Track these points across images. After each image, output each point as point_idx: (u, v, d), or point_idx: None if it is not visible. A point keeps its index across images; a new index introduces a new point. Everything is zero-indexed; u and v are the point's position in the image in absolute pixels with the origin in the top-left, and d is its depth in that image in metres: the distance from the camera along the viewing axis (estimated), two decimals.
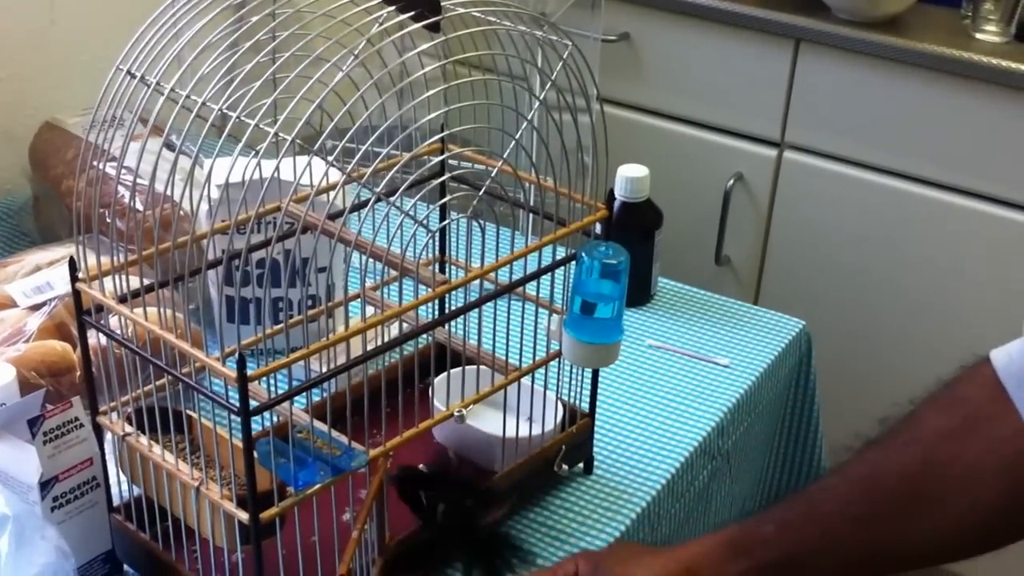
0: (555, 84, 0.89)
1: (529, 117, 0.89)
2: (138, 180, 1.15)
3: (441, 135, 0.96)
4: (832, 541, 0.93)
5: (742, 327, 1.46)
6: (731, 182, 2.04)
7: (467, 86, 0.91)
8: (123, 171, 1.23)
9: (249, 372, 0.82)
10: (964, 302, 1.92)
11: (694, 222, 2.09)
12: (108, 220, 1.23)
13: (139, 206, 1.21)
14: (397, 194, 0.85)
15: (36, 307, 1.18)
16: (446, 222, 1.00)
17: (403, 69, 0.89)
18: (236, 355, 0.81)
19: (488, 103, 0.89)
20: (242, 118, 0.79)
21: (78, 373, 1.13)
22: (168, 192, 0.90)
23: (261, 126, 0.78)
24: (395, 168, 0.88)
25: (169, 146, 0.90)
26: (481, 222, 0.97)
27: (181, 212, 1.11)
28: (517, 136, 0.88)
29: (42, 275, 1.22)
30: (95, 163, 0.91)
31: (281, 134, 0.77)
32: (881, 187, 1.94)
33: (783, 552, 0.94)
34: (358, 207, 1.02)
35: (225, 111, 0.80)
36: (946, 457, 0.89)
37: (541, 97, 0.89)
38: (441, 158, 1.01)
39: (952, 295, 1.93)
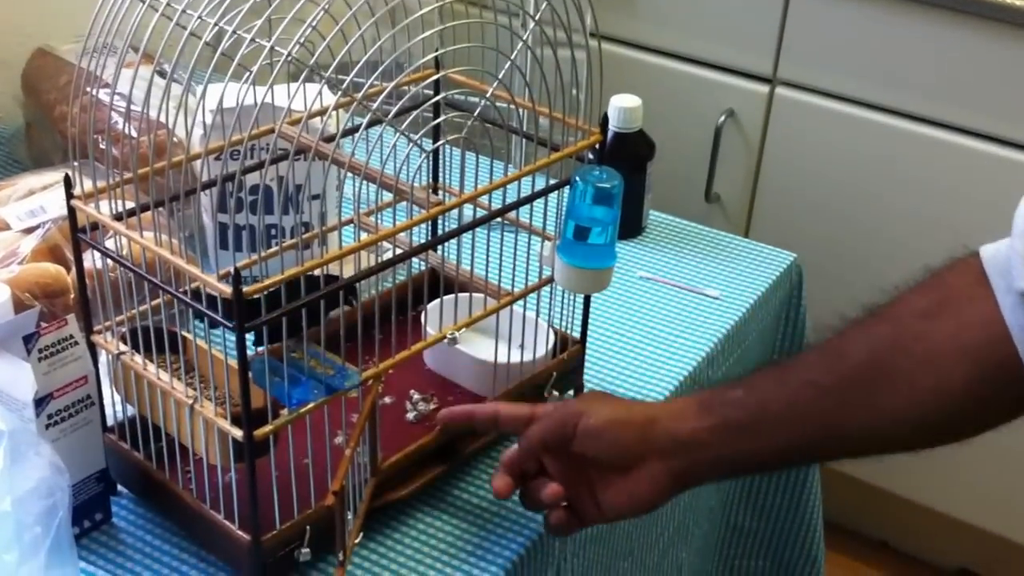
0: (550, 4, 0.89)
1: (524, 38, 0.89)
2: (132, 107, 1.15)
3: (435, 54, 0.95)
4: (794, 409, 0.92)
5: (733, 260, 1.46)
6: (722, 119, 2.04)
7: (462, 10, 0.91)
8: (116, 97, 1.23)
9: (244, 289, 0.82)
10: (956, 239, 1.92)
11: (684, 159, 2.09)
12: (102, 146, 1.23)
13: (133, 132, 1.21)
14: (392, 112, 0.85)
15: (29, 230, 1.18)
16: (440, 143, 1.00)
17: None
18: (231, 273, 0.82)
19: (483, 21, 0.89)
20: (239, 32, 0.79)
21: (72, 295, 1.13)
22: (161, 119, 0.90)
23: (258, 40, 0.78)
24: (388, 88, 0.88)
25: (161, 73, 0.90)
26: (475, 150, 0.97)
27: (175, 139, 1.11)
28: (512, 57, 0.88)
29: (35, 199, 1.22)
30: (88, 88, 0.91)
31: (277, 48, 0.77)
32: (874, 124, 1.93)
33: (746, 413, 0.94)
34: (352, 131, 1.02)
35: (222, 26, 0.79)
36: (916, 335, 0.89)
37: (537, 17, 0.89)
38: (435, 77, 1.01)
39: (945, 232, 1.93)
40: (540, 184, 1.04)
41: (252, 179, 1.17)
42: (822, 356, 0.94)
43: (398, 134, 0.87)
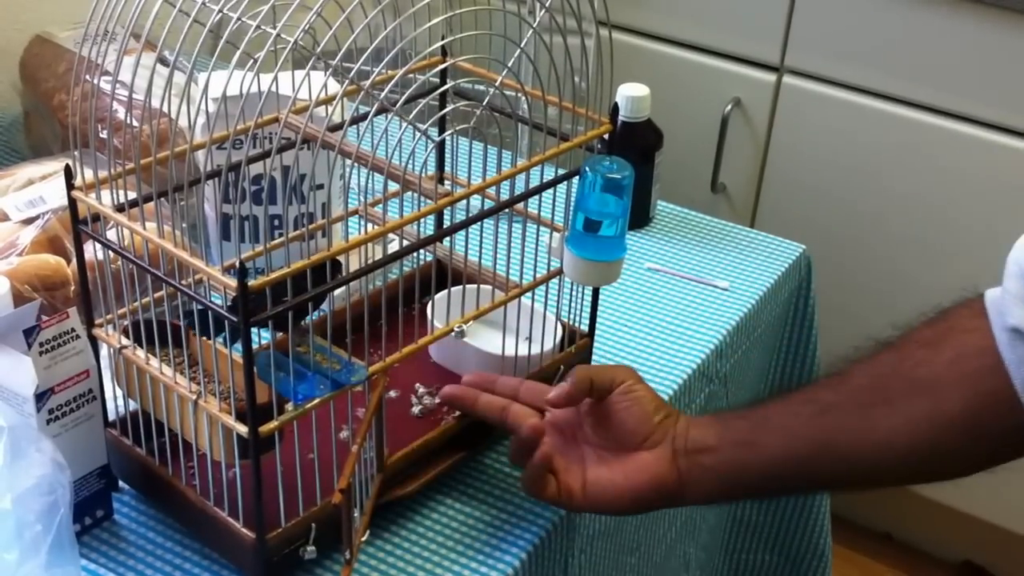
0: None
1: (534, 25, 0.87)
2: (133, 96, 1.13)
3: (442, 43, 0.94)
4: (792, 421, 0.96)
5: (742, 251, 1.45)
6: (728, 108, 2.02)
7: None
8: (117, 86, 1.21)
9: (250, 282, 0.80)
10: (964, 229, 1.91)
11: (690, 149, 2.07)
12: (102, 136, 1.21)
13: (134, 122, 1.19)
14: (400, 102, 0.84)
15: (28, 221, 1.17)
16: (448, 132, 0.99)
17: None
18: (235, 265, 0.80)
19: (490, 8, 0.87)
20: (243, 19, 0.77)
21: (72, 287, 1.12)
22: (163, 108, 0.88)
23: (262, 27, 0.76)
24: (396, 77, 0.86)
25: (163, 61, 0.88)
26: (483, 139, 0.95)
27: (177, 128, 1.10)
28: (522, 44, 0.86)
29: (35, 189, 1.20)
30: (88, 76, 0.89)
31: (283, 35, 0.75)
32: (882, 113, 1.92)
33: (748, 423, 0.98)
34: (358, 119, 1.00)
35: (226, 12, 0.78)
36: (918, 361, 0.91)
37: (547, 3, 0.87)
38: (442, 66, 0.99)
39: (952, 222, 1.91)
40: (549, 174, 1.02)
41: (256, 169, 1.16)
42: (827, 378, 0.98)
43: (405, 124, 0.85)
